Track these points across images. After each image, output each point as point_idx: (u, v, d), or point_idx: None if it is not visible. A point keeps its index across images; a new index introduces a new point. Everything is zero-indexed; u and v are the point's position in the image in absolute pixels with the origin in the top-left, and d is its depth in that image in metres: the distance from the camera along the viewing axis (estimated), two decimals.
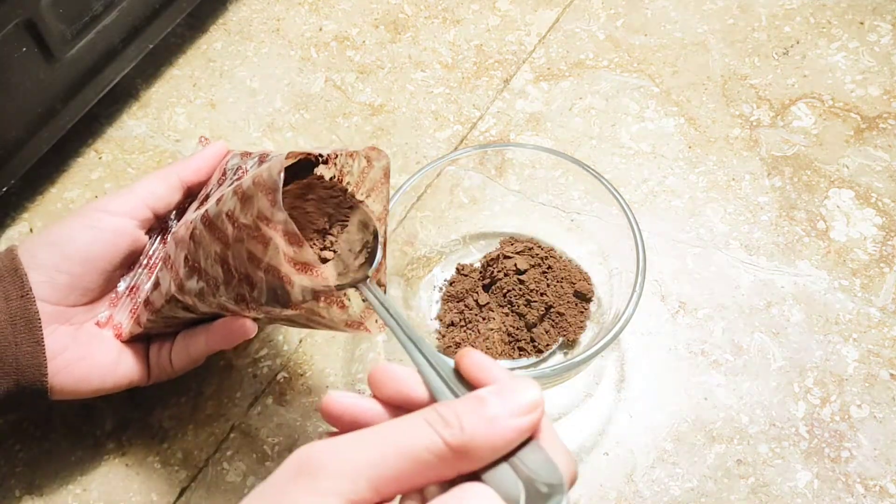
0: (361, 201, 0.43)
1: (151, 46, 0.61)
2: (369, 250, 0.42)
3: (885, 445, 0.48)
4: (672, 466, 0.47)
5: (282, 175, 0.36)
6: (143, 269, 0.47)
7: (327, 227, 0.43)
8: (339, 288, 0.40)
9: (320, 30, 0.68)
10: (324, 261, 0.42)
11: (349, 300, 0.40)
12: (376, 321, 0.43)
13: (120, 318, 0.46)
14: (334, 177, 0.43)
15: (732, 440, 0.48)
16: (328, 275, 0.39)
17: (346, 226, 0.43)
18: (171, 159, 0.61)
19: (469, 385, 0.32)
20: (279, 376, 0.51)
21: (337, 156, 0.42)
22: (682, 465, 0.47)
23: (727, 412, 0.49)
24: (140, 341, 0.47)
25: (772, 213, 0.57)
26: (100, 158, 0.61)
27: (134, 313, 0.46)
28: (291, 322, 0.42)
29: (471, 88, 0.64)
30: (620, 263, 0.49)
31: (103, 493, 0.47)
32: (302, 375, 0.51)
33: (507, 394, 0.29)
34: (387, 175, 0.43)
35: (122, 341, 0.46)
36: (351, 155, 0.42)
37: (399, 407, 0.32)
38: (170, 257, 0.43)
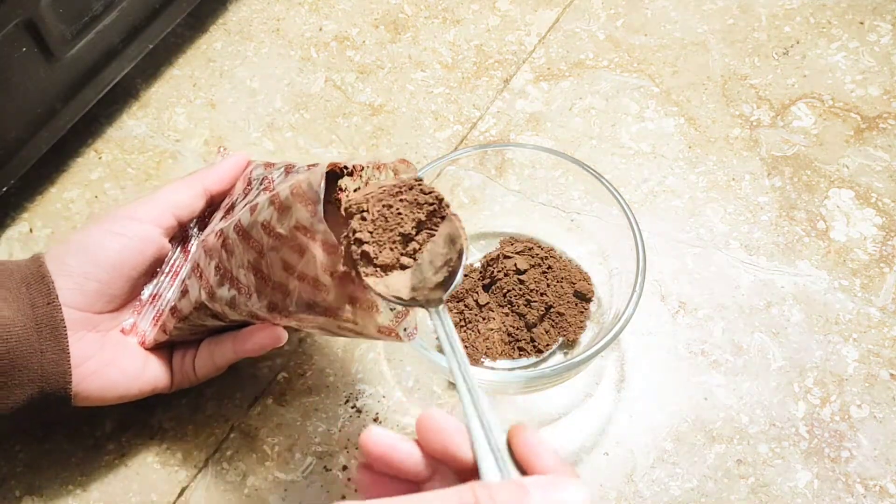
0: (455, 214, 0.41)
1: (151, 46, 0.61)
2: (450, 269, 0.39)
3: (885, 445, 0.48)
4: (672, 466, 0.47)
5: (322, 186, 0.36)
6: (166, 276, 0.47)
7: (414, 232, 0.41)
8: (410, 304, 0.38)
9: (320, 30, 0.68)
10: (403, 267, 0.40)
11: (382, 306, 0.41)
12: (405, 329, 0.42)
13: (144, 325, 0.46)
14: (359, 188, 0.43)
15: (732, 440, 0.48)
16: (372, 285, 0.39)
17: (434, 236, 0.41)
18: (170, 159, 0.61)
19: (517, 462, 0.30)
20: (279, 377, 0.51)
21: (363, 168, 0.42)
22: (682, 465, 0.47)
23: (727, 412, 0.49)
24: (164, 349, 0.47)
25: (772, 213, 0.57)
26: (100, 158, 0.61)
27: (157, 321, 0.46)
28: (321, 330, 0.42)
29: (471, 88, 0.64)
30: (620, 263, 0.49)
31: (103, 493, 0.47)
32: (302, 376, 0.51)
33: (552, 490, 0.28)
34: None
35: (147, 349, 0.46)
36: (378, 167, 0.42)
37: (440, 461, 0.31)
38: (198, 265, 0.44)
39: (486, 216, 0.55)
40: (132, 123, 0.63)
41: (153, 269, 0.47)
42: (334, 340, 0.52)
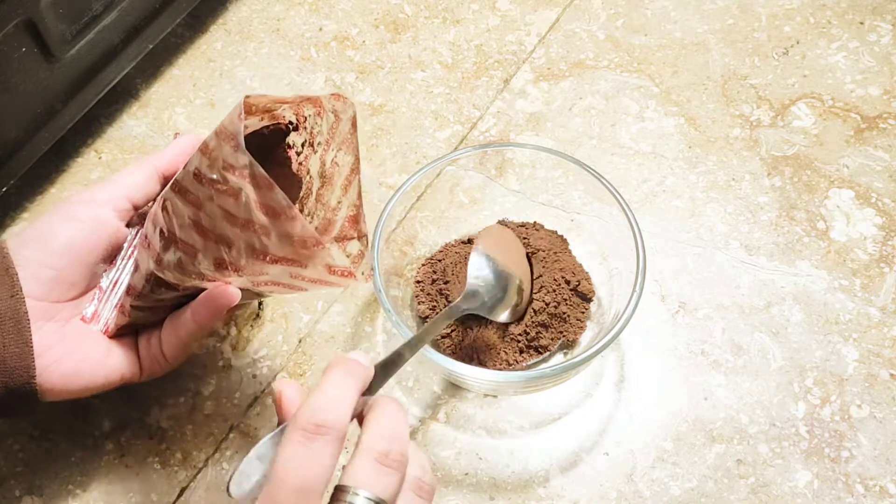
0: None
1: (151, 46, 0.61)
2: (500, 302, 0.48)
3: (885, 445, 0.48)
4: (672, 466, 0.47)
5: (243, 118, 0.35)
6: (125, 262, 0.46)
7: None
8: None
9: (320, 30, 0.68)
10: None
11: (329, 244, 0.40)
12: (363, 273, 0.41)
13: (106, 313, 0.45)
14: (306, 141, 0.41)
15: (732, 440, 0.48)
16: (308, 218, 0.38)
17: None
18: None
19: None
20: (278, 377, 0.51)
21: (306, 118, 0.41)
22: (682, 465, 0.47)
23: (727, 412, 0.49)
24: (129, 335, 0.46)
25: (772, 213, 0.57)
26: (99, 158, 0.61)
27: (119, 307, 0.45)
28: (277, 286, 0.41)
29: (471, 88, 0.64)
30: (620, 263, 0.49)
31: (103, 493, 0.47)
32: (301, 375, 0.51)
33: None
34: (354, 125, 0.42)
35: (110, 336, 0.45)
36: (318, 113, 0.41)
37: None
38: (146, 237, 0.42)
39: (486, 216, 0.55)
40: (132, 123, 0.63)
41: (111, 255, 0.46)
42: (334, 340, 0.52)
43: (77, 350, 0.43)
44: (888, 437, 0.48)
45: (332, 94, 0.41)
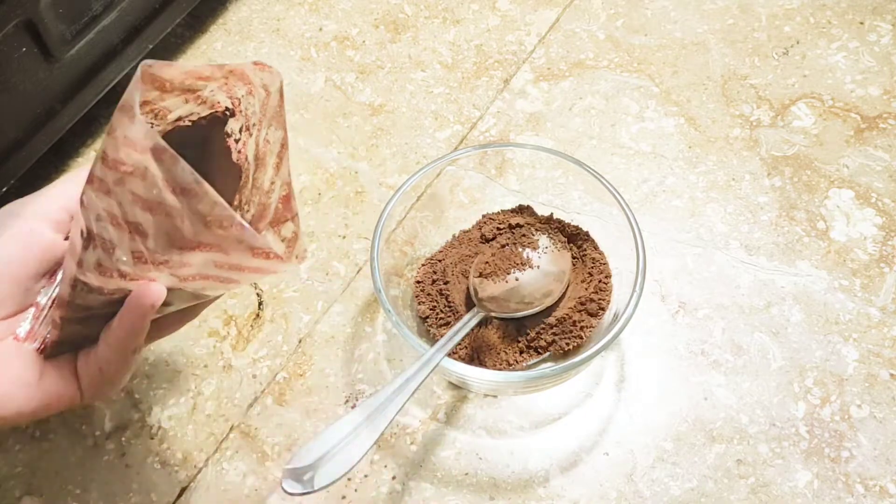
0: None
1: (151, 46, 0.61)
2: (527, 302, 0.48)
3: (885, 445, 0.48)
4: (672, 466, 0.47)
5: (138, 88, 0.33)
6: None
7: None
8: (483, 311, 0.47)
9: (320, 30, 0.68)
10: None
11: (266, 232, 0.37)
12: (297, 256, 0.39)
13: (43, 331, 0.41)
14: (242, 126, 0.38)
15: (732, 440, 0.48)
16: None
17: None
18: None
19: None
20: (278, 376, 0.51)
21: (240, 101, 0.38)
22: (682, 465, 0.47)
23: (727, 412, 0.49)
24: (68, 355, 0.42)
25: (772, 213, 0.57)
26: None
27: (52, 322, 0.41)
28: (205, 280, 0.37)
29: (471, 88, 0.64)
30: (620, 263, 0.49)
31: (103, 493, 0.47)
32: (301, 376, 0.51)
33: None
34: (282, 96, 0.39)
35: (46, 356, 0.41)
36: (250, 91, 0.38)
37: None
38: (72, 240, 0.39)
39: None
40: None
41: (51, 271, 0.42)
42: (334, 340, 0.52)
43: (6, 372, 0.39)
44: (888, 437, 0.48)
45: (255, 64, 0.37)
